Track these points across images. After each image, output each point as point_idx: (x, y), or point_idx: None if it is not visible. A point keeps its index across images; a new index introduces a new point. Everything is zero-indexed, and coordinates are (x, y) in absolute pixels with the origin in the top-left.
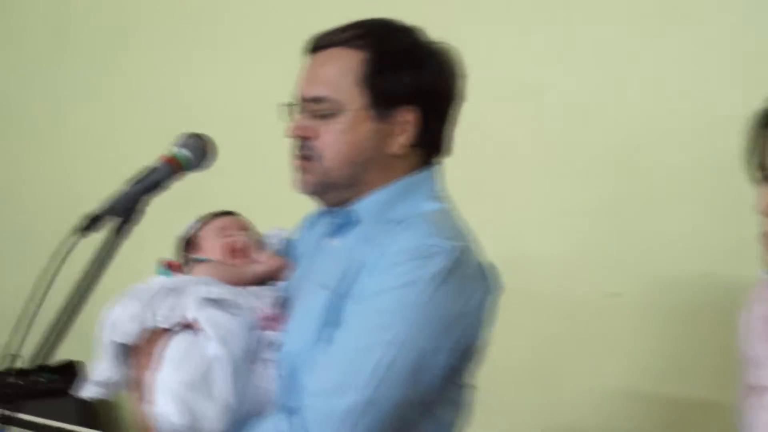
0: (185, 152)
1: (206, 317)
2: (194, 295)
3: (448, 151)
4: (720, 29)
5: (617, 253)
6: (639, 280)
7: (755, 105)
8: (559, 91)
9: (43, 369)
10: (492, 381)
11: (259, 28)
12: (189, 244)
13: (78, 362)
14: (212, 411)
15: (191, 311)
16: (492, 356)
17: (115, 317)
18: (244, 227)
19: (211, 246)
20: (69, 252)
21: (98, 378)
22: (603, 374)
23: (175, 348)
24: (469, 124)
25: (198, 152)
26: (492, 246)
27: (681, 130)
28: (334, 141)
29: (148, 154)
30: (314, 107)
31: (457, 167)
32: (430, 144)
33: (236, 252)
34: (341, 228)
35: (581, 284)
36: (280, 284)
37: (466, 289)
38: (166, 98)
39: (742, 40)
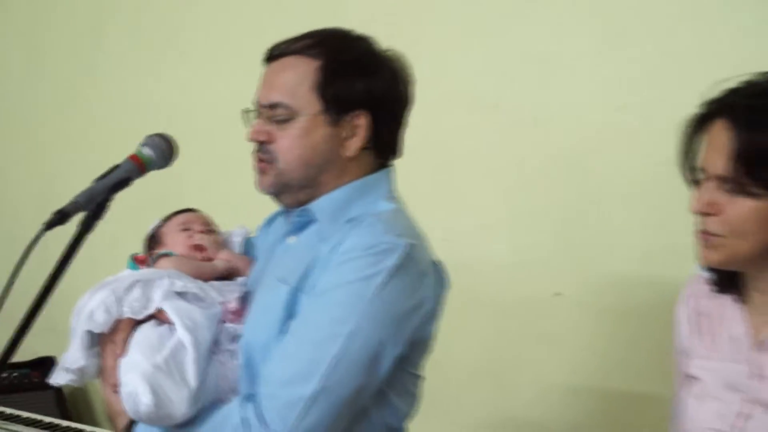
0: (148, 151)
1: (173, 307)
2: (161, 287)
3: (400, 154)
4: (661, 43)
5: (560, 256)
6: (580, 280)
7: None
8: (511, 103)
9: (16, 366)
10: (445, 377)
11: (228, 33)
12: (153, 239)
13: (53, 357)
14: (179, 395)
15: (158, 302)
16: (444, 353)
17: (86, 307)
18: (206, 224)
19: (173, 241)
20: (34, 244)
21: (69, 365)
22: (547, 370)
23: (143, 335)
24: (426, 135)
25: (160, 152)
26: (445, 250)
27: (623, 139)
28: (290, 145)
29: (121, 154)
30: (271, 113)
31: (412, 175)
32: (383, 147)
33: (198, 247)
34: (298, 227)
35: (527, 285)
36: (241, 280)
37: (417, 284)
38: (139, 100)
39: (679, 52)
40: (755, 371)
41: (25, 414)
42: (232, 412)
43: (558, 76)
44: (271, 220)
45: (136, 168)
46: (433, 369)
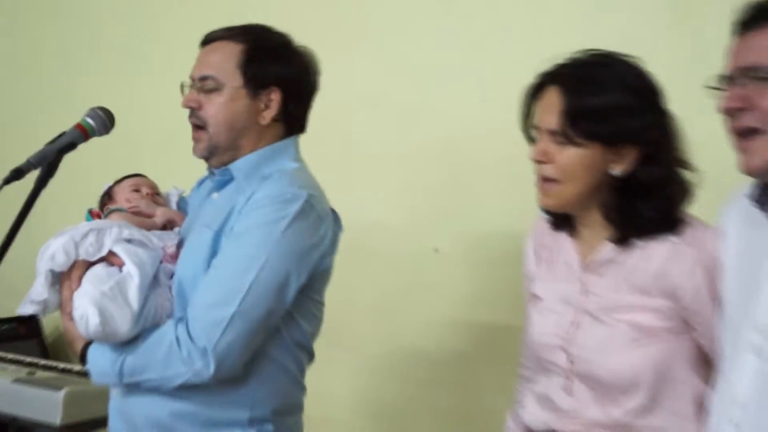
0: (90, 121)
1: (122, 249)
2: (112, 234)
3: (305, 129)
4: (516, 48)
5: (438, 218)
6: (454, 238)
7: None
8: (393, 100)
9: (4, 320)
10: (348, 315)
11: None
12: (107, 196)
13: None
14: (123, 316)
15: (109, 246)
16: (348, 297)
17: (48, 250)
18: (149, 185)
19: (123, 198)
20: None
21: (34, 298)
22: (430, 309)
23: (94, 272)
24: (331, 124)
25: (100, 121)
26: (347, 215)
27: (485, 126)
28: (216, 111)
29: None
30: (201, 84)
31: (321, 156)
32: (292, 121)
33: (143, 204)
34: (220, 185)
35: (413, 243)
36: (177, 230)
37: (316, 226)
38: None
39: (528, 55)
40: (583, 288)
41: (10, 356)
42: (167, 331)
43: (433, 76)
44: (200, 183)
45: (80, 134)
46: (339, 308)
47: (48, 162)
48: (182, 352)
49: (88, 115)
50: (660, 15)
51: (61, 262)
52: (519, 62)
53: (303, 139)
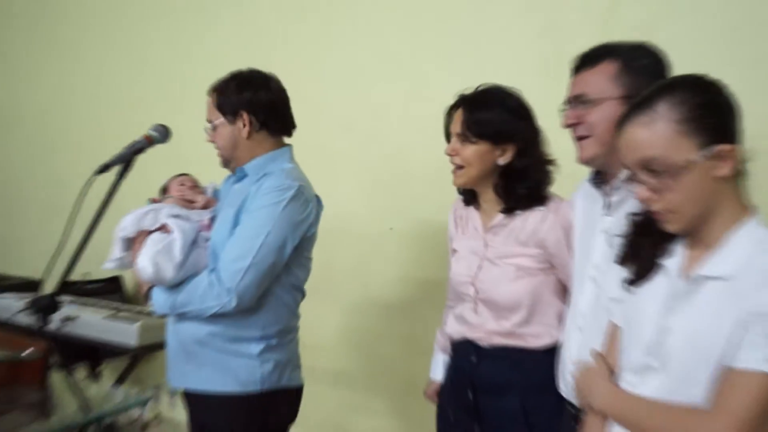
0: (155, 133)
1: (171, 221)
2: (164, 212)
3: (288, 131)
4: (439, 63)
5: (391, 207)
6: (402, 220)
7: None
8: (360, 126)
9: (96, 281)
10: (330, 274)
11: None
12: (163, 189)
13: (119, 276)
14: (169, 266)
15: (162, 220)
16: (328, 261)
17: (122, 224)
18: (192, 180)
19: (174, 189)
20: (89, 186)
21: (112, 257)
22: (389, 269)
23: (152, 237)
24: (317, 143)
25: (161, 134)
26: (327, 204)
27: (422, 144)
28: (219, 139)
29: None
30: (210, 125)
31: (310, 163)
32: (270, 128)
33: (187, 193)
34: (239, 179)
35: (373, 224)
36: (211, 209)
37: (305, 206)
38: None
39: (449, 68)
40: (485, 243)
41: (102, 302)
42: (203, 277)
43: (387, 109)
44: (227, 179)
45: (146, 142)
46: (324, 267)
47: (126, 161)
48: (214, 291)
49: (153, 129)
50: (537, 69)
51: (130, 232)
52: (440, 102)
53: (297, 152)
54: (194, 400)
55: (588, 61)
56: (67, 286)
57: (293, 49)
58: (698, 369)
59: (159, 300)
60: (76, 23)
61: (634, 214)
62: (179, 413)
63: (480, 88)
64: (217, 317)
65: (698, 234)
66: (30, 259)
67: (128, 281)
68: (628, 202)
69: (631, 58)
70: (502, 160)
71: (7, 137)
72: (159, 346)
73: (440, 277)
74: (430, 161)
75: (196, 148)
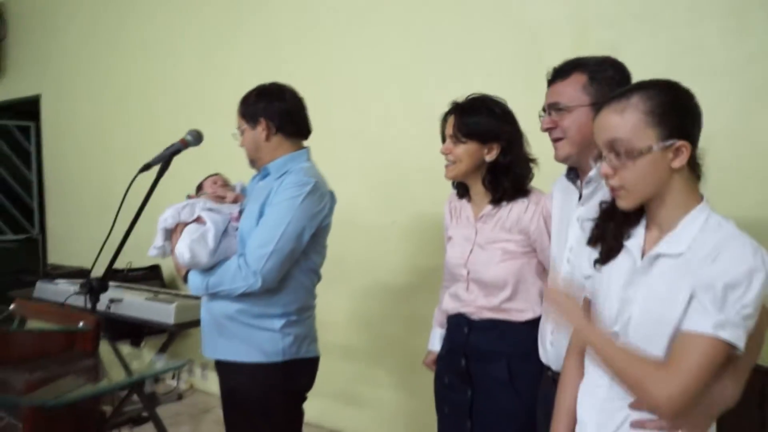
0: (189, 137)
1: (205, 214)
2: (199, 206)
3: (303, 133)
4: (439, 97)
5: (393, 203)
6: (403, 214)
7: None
8: (365, 135)
9: (139, 269)
10: (342, 264)
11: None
12: (198, 187)
13: (158, 265)
14: (204, 252)
15: (197, 213)
16: (342, 250)
17: (163, 216)
18: (223, 179)
19: (207, 187)
20: (133, 181)
21: (155, 245)
22: (392, 259)
23: (189, 228)
24: (330, 149)
25: (195, 138)
26: (339, 201)
27: (420, 149)
28: (245, 142)
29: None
30: (237, 131)
31: (325, 167)
32: (289, 133)
33: (219, 190)
34: (263, 177)
35: (378, 217)
36: (239, 204)
37: (320, 200)
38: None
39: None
40: (475, 231)
41: (144, 287)
42: (233, 261)
43: (388, 119)
44: (253, 177)
45: (182, 145)
46: (337, 255)
47: (164, 161)
48: (242, 273)
49: (189, 133)
50: (520, 81)
51: (170, 223)
52: (436, 107)
53: (315, 156)
54: (225, 369)
55: (560, 73)
56: (114, 273)
57: (308, 67)
58: (656, 333)
59: (195, 282)
60: (123, 45)
61: (603, 202)
62: (210, 384)
63: (470, 97)
64: (244, 296)
65: (656, 218)
66: (82, 251)
67: (166, 269)
68: (598, 194)
69: (597, 71)
70: (489, 158)
71: (64, 144)
72: (194, 323)
73: (436, 264)
74: (426, 163)
75: (225, 151)
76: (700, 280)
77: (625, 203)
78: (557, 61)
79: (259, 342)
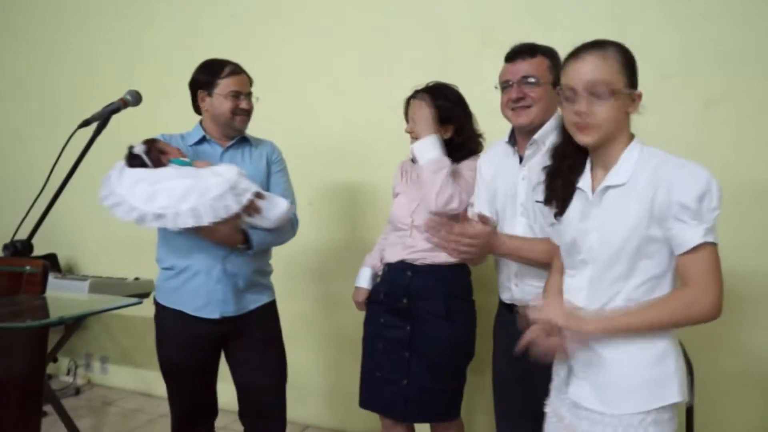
0: (129, 97)
1: (245, 183)
2: (227, 186)
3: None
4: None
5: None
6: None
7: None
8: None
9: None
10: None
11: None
12: (161, 151)
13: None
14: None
15: (245, 197)
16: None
17: (219, 211)
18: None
19: (174, 152)
20: (71, 138)
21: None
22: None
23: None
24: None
25: (134, 98)
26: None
27: (386, 126)
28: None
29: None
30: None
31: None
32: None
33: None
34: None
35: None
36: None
37: None
38: None
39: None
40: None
41: None
42: (287, 220)
43: (361, 98)
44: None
45: (121, 104)
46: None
47: (103, 119)
48: (294, 229)
49: (128, 93)
50: (468, 72)
51: (234, 210)
52: (401, 90)
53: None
54: (260, 311)
55: (526, 52)
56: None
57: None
58: (616, 253)
59: (260, 238)
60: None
61: (546, 167)
62: (111, 378)
63: (429, 84)
64: (259, 255)
65: (601, 157)
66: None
67: (62, 258)
68: (537, 156)
69: (554, 56)
70: (445, 136)
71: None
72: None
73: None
74: (390, 141)
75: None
76: (674, 202)
77: (590, 138)
78: (468, 57)
79: (269, 287)
